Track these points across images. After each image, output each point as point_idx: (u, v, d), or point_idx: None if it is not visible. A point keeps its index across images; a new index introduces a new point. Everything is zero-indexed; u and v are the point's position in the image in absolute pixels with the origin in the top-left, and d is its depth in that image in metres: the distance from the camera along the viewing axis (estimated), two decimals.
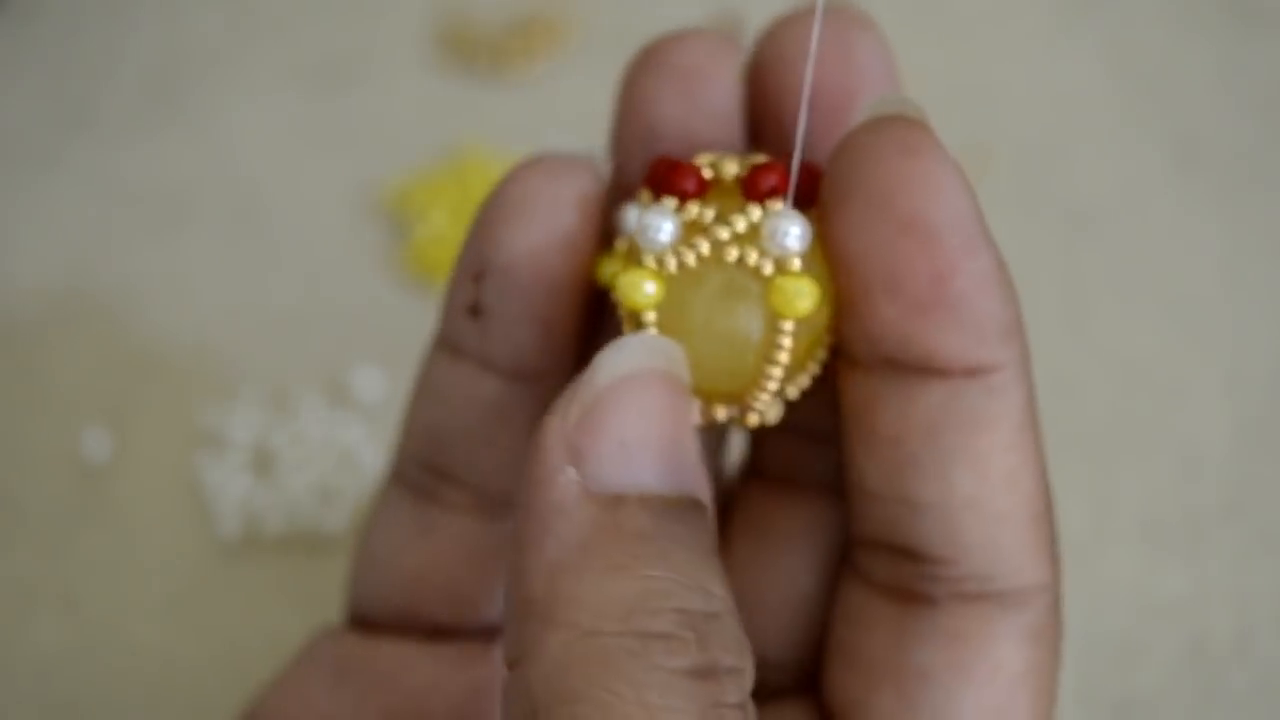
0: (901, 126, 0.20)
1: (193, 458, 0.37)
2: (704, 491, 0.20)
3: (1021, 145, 0.42)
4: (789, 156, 0.21)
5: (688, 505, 0.19)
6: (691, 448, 0.19)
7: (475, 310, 0.23)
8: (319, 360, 0.39)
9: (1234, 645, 0.34)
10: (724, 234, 0.20)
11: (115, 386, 0.38)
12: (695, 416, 0.21)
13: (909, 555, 0.21)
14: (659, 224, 0.20)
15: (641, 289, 0.20)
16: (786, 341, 0.20)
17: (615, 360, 0.19)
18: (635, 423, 0.19)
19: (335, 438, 0.37)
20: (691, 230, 0.20)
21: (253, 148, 0.43)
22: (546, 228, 0.22)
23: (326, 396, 0.38)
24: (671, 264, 0.20)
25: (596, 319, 0.24)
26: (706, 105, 0.22)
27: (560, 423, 0.19)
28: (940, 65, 0.44)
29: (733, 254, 0.20)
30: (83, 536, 0.36)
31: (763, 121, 0.23)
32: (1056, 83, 0.44)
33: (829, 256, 0.20)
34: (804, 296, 0.19)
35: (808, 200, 0.21)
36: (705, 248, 0.20)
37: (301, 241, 0.41)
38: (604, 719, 0.17)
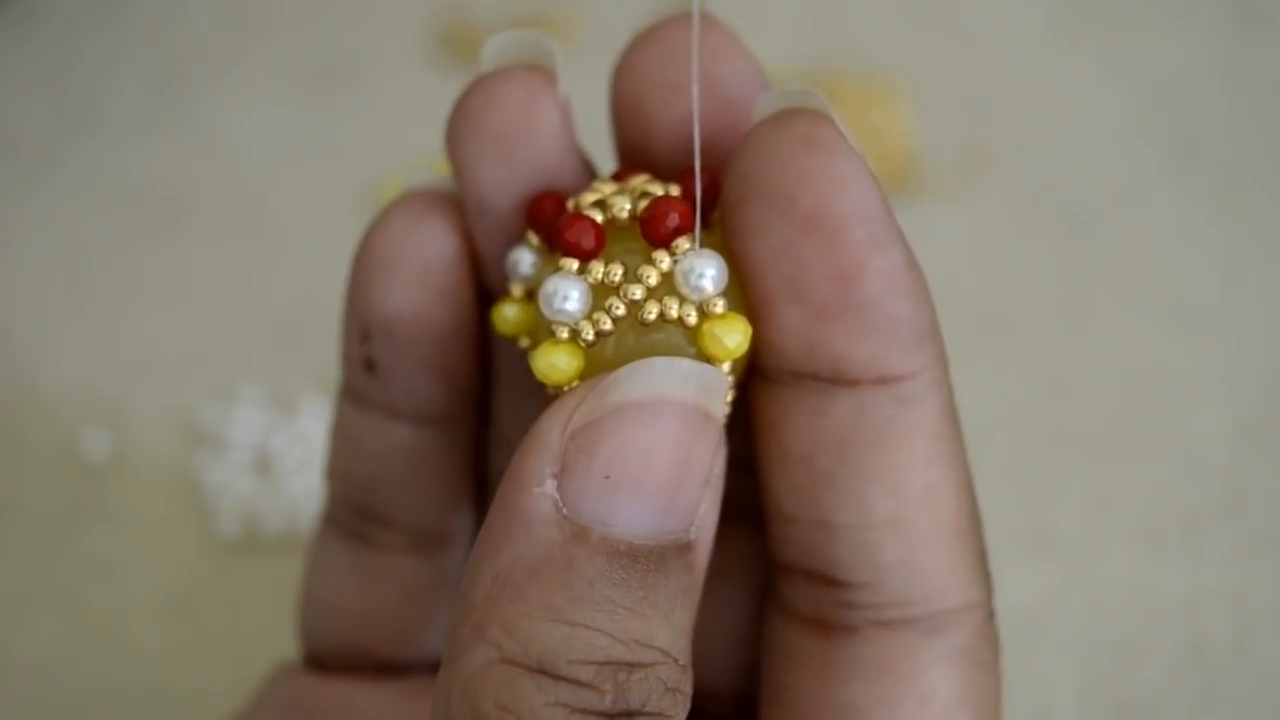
0: (803, 120, 0.18)
1: (192, 458, 0.37)
2: (702, 529, 0.18)
3: (1021, 145, 0.42)
4: (676, 172, 0.20)
5: (664, 552, 0.18)
6: (694, 489, 0.18)
7: (369, 366, 0.22)
8: (319, 360, 0.39)
9: (1233, 645, 0.34)
10: (637, 292, 0.18)
11: (115, 386, 0.38)
12: (720, 451, 0.19)
13: (826, 581, 0.20)
14: (565, 292, 0.18)
15: (556, 365, 0.18)
16: (728, 381, 0.19)
17: (634, 380, 0.18)
18: (629, 458, 0.17)
19: None
20: (602, 292, 0.19)
21: (253, 147, 0.43)
22: (421, 283, 0.21)
23: (326, 396, 0.38)
24: (589, 333, 0.19)
25: (492, 359, 0.23)
26: (533, 161, 0.20)
27: (560, 426, 0.18)
28: (940, 65, 0.44)
29: (652, 311, 0.18)
30: (83, 536, 0.36)
31: (630, 148, 0.21)
32: (1056, 83, 0.44)
33: (731, 264, 0.19)
34: (735, 335, 0.18)
35: (707, 209, 0.19)
36: (620, 309, 0.18)
37: (301, 241, 0.41)
38: None
